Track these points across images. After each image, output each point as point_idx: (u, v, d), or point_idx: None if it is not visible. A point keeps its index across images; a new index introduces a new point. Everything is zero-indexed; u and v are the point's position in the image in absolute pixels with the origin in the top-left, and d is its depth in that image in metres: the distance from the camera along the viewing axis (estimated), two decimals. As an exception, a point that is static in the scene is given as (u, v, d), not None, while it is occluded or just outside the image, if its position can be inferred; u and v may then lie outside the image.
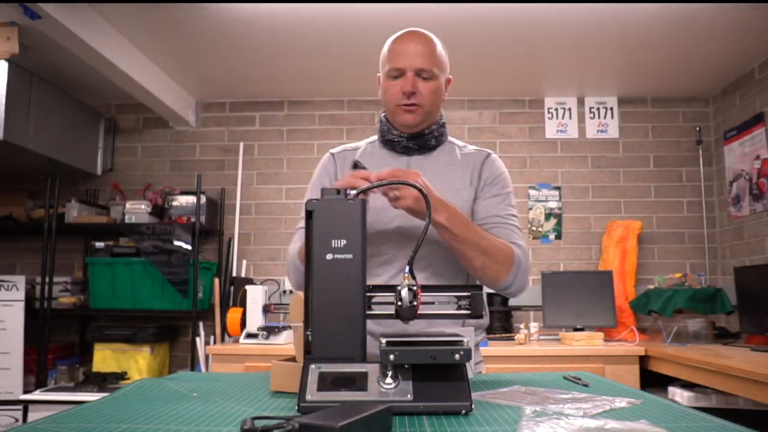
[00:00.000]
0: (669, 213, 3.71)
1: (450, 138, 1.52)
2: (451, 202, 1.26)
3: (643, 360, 2.86)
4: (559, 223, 3.71)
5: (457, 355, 0.85)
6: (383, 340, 0.88)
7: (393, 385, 0.86)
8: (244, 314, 3.09)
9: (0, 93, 2.78)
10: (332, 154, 1.53)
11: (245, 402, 0.97)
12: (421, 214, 1.17)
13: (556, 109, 3.80)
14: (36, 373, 3.18)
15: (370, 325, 1.13)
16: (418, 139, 1.43)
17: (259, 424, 0.70)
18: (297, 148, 3.84)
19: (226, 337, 3.19)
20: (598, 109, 3.79)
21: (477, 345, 1.46)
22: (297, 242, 1.44)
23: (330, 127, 3.84)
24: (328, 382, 0.87)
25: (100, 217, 3.53)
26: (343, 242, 0.92)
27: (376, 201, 1.30)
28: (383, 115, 1.49)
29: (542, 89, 3.72)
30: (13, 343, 3.14)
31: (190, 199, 3.48)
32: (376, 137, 1.53)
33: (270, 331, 2.96)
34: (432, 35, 1.41)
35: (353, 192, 0.96)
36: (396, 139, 1.44)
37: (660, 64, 3.29)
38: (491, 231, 1.36)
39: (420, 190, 1.07)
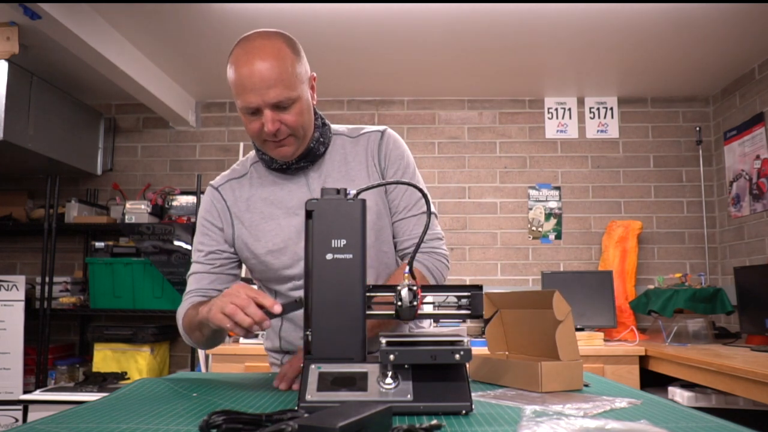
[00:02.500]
0: (669, 213, 3.71)
1: (334, 128, 1.39)
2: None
3: (643, 360, 2.86)
4: (559, 223, 3.71)
5: (457, 355, 0.85)
6: (383, 340, 0.88)
7: (393, 385, 0.86)
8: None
9: (0, 93, 2.78)
10: (217, 189, 1.38)
11: (245, 402, 0.97)
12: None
13: (556, 109, 3.80)
14: (36, 373, 3.18)
15: None
16: (308, 156, 1.31)
17: (218, 419, 0.71)
18: (297, 148, 3.83)
19: (226, 337, 3.18)
20: (598, 109, 3.79)
21: None
22: (188, 297, 1.33)
23: (330, 127, 3.83)
24: (328, 383, 0.87)
25: (100, 217, 3.53)
26: (343, 242, 0.92)
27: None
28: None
29: (542, 89, 3.72)
30: (13, 343, 3.14)
31: (190, 199, 3.48)
32: (253, 156, 1.40)
33: (270, 331, 2.96)
34: (274, 40, 1.20)
35: (353, 192, 0.96)
36: (284, 166, 1.31)
37: (660, 64, 3.29)
38: (405, 229, 1.35)
39: (420, 189, 1.08)
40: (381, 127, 1.40)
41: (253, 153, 1.41)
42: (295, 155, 1.28)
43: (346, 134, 1.39)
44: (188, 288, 1.36)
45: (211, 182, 1.40)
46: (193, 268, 1.36)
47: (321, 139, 1.32)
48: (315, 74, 1.31)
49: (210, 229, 1.36)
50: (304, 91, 1.23)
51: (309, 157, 1.31)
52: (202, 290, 1.33)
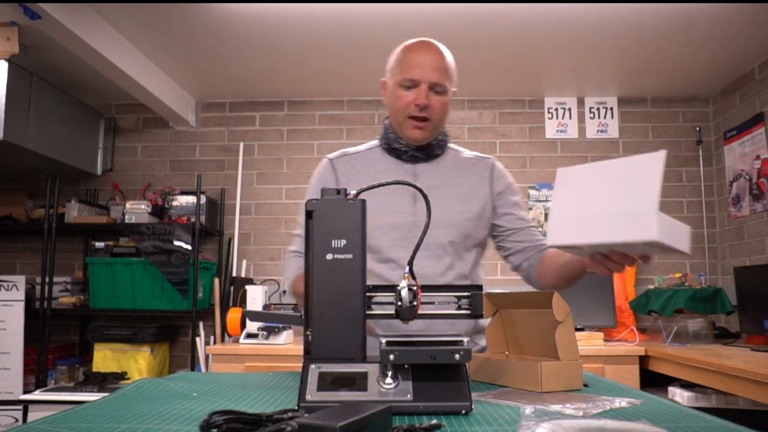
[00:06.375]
0: (669, 213, 3.68)
1: (449, 143, 1.55)
2: (460, 208, 1.43)
3: (643, 360, 2.86)
4: (559, 223, 3.71)
5: (457, 355, 0.85)
6: (383, 340, 0.88)
7: (393, 385, 0.86)
8: (244, 314, 3.09)
9: (0, 93, 2.78)
10: (330, 160, 1.52)
11: (245, 402, 0.97)
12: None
13: (556, 109, 3.80)
14: (36, 373, 3.18)
15: (370, 324, 1.18)
16: (425, 149, 1.46)
17: (219, 419, 0.71)
18: (297, 148, 3.84)
19: (226, 337, 3.19)
20: (598, 109, 3.79)
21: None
22: (294, 260, 1.49)
23: (330, 127, 3.84)
24: (328, 382, 0.87)
25: (100, 217, 3.53)
26: (343, 242, 0.92)
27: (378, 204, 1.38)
28: (388, 121, 1.49)
29: (542, 89, 3.72)
30: (13, 343, 3.14)
31: (190, 199, 3.48)
32: (376, 142, 1.54)
33: (270, 331, 2.96)
34: (444, 47, 1.43)
35: (353, 192, 0.96)
36: (402, 149, 1.46)
37: (660, 64, 3.29)
38: (521, 234, 1.51)
39: (419, 189, 1.07)
40: (489, 156, 1.58)
41: (371, 142, 1.55)
42: (425, 141, 1.44)
43: (458, 150, 1.56)
44: (293, 247, 1.50)
45: (327, 155, 1.55)
46: (299, 231, 1.49)
47: (440, 144, 1.49)
48: (456, 89, 1.48)
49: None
50: (450, 93, 1.43)
51: (425, 152, 1.47)
52: None
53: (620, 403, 0.91)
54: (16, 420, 3.04)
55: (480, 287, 0.99)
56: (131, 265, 3.33)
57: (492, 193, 1.50)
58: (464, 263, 1.46)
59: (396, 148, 1.46)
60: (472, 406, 0.86)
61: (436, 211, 1.39)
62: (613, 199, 0.85)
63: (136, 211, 3.38)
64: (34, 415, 2.92)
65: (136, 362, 3.26)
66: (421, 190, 1.08)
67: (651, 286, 3.29)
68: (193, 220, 3.37)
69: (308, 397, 0.85)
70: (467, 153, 1.56)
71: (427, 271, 1.40)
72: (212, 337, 3.50)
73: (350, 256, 0.92)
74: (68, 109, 3.39)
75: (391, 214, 1.41)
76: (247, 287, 3.16)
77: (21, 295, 3.19)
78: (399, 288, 0.94)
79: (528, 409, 0.84)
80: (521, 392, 1.03)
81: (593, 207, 0.87)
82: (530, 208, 3.72)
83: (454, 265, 1.43)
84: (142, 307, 3.35)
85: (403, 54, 1.41)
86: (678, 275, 3.17)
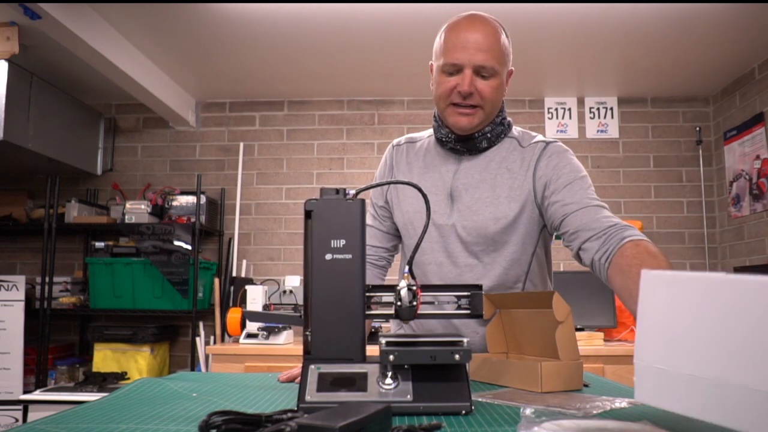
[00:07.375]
0: (669, 213, 3.71)
1: (514, 131, 1.38)
2: (496, 213, 1.29)
3: (643, 360, 2.86)
4: (559, 223, 3.71)
5: (457, 356, 0.85)
6: (383, 340, 0.88)
7: (393, 385, 0.86)
8: (243, 314, 3.09)
9: (0, 93, 2.78)
10: (393, 147, 1.48)
11: (245, 402, 0.97)
12: None
13: (556, 109, 3.80)
14: (36, 373, 3.18)
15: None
16: (467, 142, 1.32)
17: (218, 419, 0.71)
18: (297, 148, 3.84)
19: (226, 337, 3.18)
20: (598, 109, 3.79)
21: None
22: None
23: (330, 127, 3.84)
24: (327, 383, 0.87)
25: (100, 217, 3.53)
26: (342, 242, 0.92)
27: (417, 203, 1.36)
28: (436, 109, 1.37)
29: (542, 89, 3.72)
30: (13, 343, 3.14)
31: (190, 199, 3.48)
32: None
33: (270, 331, 2.96)
34: (494, 21, 1.27)
35: (352, 192, 0.96)
36: (444, 139, 1.34)
37: (660, 64, 3.29)
38: (570, 219, 1.21)
39: (420, 190, 1.06)
40: (549, 138, 1.36)
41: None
42: (473, 129, 1.30)
43: (518, 140, 1.37)
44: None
45: (394, 140, 1.50)
46: (368, 219, 1.44)
47: (488, 135, 1.32)
48: (513, 69, 1.34)
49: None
50: (503, 74, 1.28)
51: (467, 144, 1.33)
52: (374, 248, 1.46)
53: (620, 403, 0.91)
54: (16, 420, 3.04)
55: (479, 287, 0.99)
56: (131, 265, 3.33)
57: (534, 188, 1.29)
58: (508, 272, 1.33)
59: (439, 138, 1.35)
60: (472, 407, 0.86)
61: (467, 215, 1.30)
62: (746, 358, 0.53)
63: (136, 211, 3.38)
64: (34, 415, 2.92)
65: (136, 362, 3.26)
66: (420, 190, 1.07)
67: (651, 286, 3.29)
68: (193, 220, 3.37)
69: (308, 397, 0.85)
70: (532, 141, 1.34)
71: (455, 280, 1.31)
72: (212, 337, 3.50)
73: (349, 256, 0.92)
74: (68, 109, 3.39)
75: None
76: (247, 287, 3.15)
77: (21, 295, 3.20)
78: (398, 288, 0.94)
79: (528, 409, 0.84)
80: (521, 392, 1.03)
81: (710, 362, 0.58)
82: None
83: (488, 275, 1.32)
84: (142, 307, 3.35)
85: (445, 34, 1.27)
86: (678, 275, 3.17)
